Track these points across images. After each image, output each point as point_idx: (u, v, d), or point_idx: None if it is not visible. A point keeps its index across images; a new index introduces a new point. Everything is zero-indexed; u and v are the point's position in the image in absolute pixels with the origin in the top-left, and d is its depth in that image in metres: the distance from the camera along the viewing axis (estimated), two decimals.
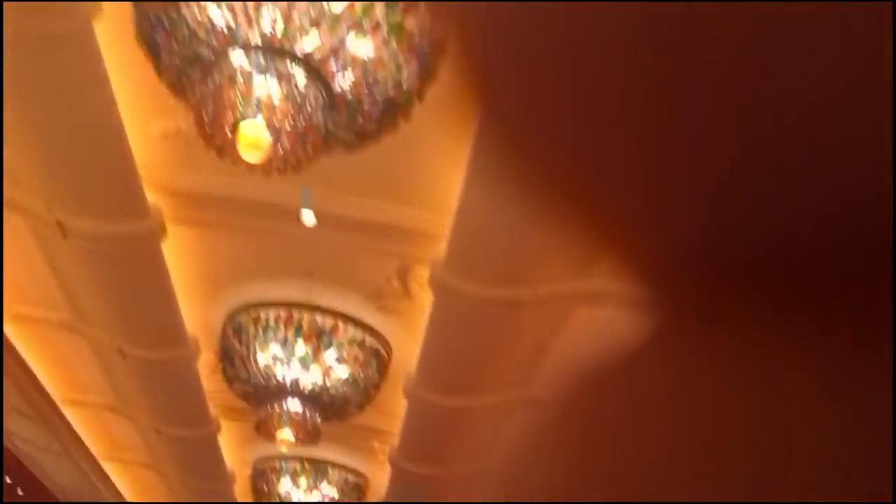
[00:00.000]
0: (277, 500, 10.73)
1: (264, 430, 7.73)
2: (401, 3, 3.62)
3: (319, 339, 6.88)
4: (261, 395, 7.29)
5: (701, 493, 0.14)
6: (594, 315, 5.96)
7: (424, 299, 6.22)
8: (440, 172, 5.02)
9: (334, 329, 6.83)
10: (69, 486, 11.05)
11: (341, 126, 4.21)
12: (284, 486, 10.70)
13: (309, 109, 3.88)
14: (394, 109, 4.08)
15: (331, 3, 3.56)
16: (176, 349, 7.06)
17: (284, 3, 3.56)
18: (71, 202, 5.28)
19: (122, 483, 11.26)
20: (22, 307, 6.92)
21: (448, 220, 5.23)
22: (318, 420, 7.54)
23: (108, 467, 10.68)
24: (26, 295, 6.76)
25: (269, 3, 3.57)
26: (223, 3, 3.61)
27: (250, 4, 3.58)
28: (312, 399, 7.26)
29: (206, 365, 7.56)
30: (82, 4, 3.83)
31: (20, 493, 11.57)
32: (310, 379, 7.05)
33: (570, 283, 5.64)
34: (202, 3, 3.63)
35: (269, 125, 3.84)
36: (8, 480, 10.97)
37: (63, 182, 5.13)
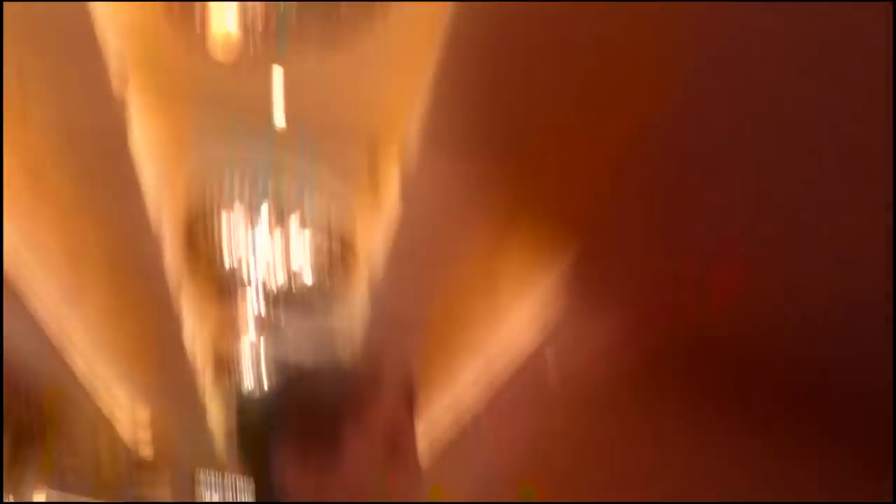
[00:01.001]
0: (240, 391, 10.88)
1: (228, 324, 7.82)
2: None
3: (286, 235, 6.93)
4: (226, 289, 7.32)
5: None
6: None
7: (392, 207, 6.25)
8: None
9: (302, 226, 6.88)
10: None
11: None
12: (246, 378, 10.82)
13: None
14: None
15: None
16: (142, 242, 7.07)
17: None
18: None
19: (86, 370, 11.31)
20: None
21: None
22: (282, 317, 7.61)
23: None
24: None
25: None
26: None
27: None
28: (278, 297, 7.33)
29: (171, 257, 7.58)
30: None
31: None
32: (276, 276, 7.11)
33: None
34: None
35: None
36: None
37: None
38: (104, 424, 14.42)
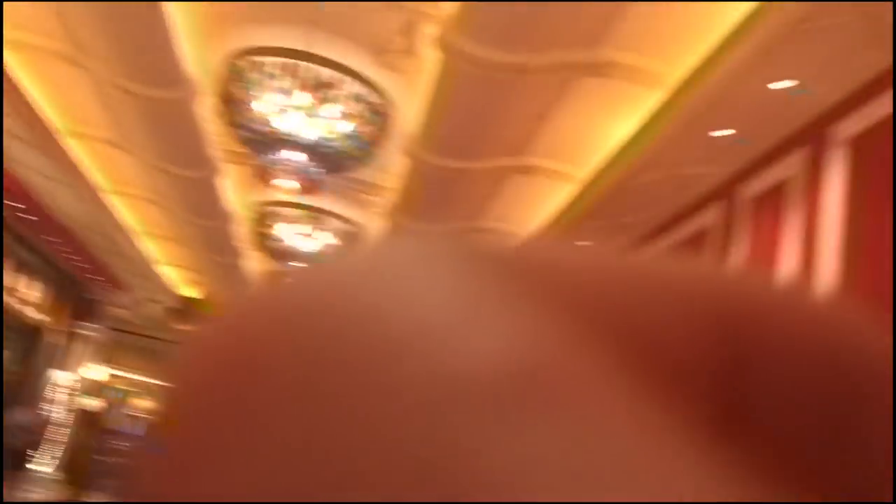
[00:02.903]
0: (275, 243, 11.17)
1: (264, 177, 7.88)
2: None
3: (320, 91, 6.80)
4: (261, 143, 7.34)
5: None
6: (600, 85, 5.87)
7: (429, 59, 6.08)
8: None
9: (335, 81, 6.75)
10: (78, 215, 11.42)
11: None
12: (282, 230, 11.09)
13: None
14: None
15: None
16: (176, 89, 7.00)
17: None
18: None
19: (130, 216, 11.61)
20: (20, 33, 6.75)
21: None
22: (318, 171, 7.65)
23: (116, 200, 10.96)
24: (25, 21, 6.57)
25: None
26: None
27: None
28: (313, 151, 7.32)
29: (207, 107, 7.53)
30: None
31: (33, 218, 11.99)
32: (311, 131, 7.06)
33: (578, 51, 5.49)
34: None
35: None
36: (20, 206, 11.32)
37: None
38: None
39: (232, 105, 7.00)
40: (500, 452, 0.12)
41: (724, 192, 5.98)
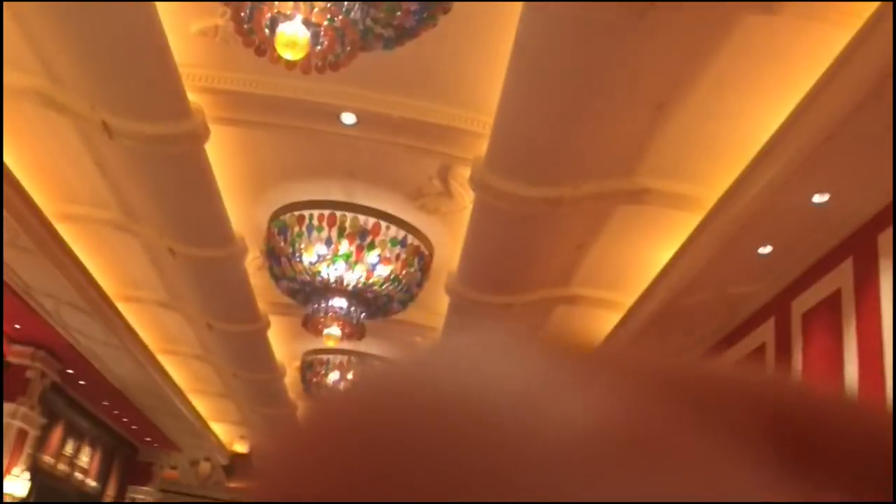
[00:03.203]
0: (325, 391, 11.10)
1: (311, 325, 7.95)
2: None
3: (362, 238, 6.97)
4: (307, 293, 7.47)
5: None
6: (637, 212, 5.93)
7: (465, 198, 6.23)
8: (481, 70, 4.93)
9: (376, 228, 6.92)
10: (128, 376, 11.56)
11: (379, 21, 4.13)
12: (332, 377, 11.08)
13: (346, 5, 3.81)
14: (433, 3, 3.99)
15: None
16: (223, 248, 7.23)
17: None
18: (114, 102, 5.33)
19: (178, 374, 11.76)
20: (72, 206, 7.09)
21: (489, 118, 5.17)
22: (363, 317, 7.72)
23: (164, 360, 11.13)
24: (75, 194, 6.92)
25: None
26: None
27: None
28: (357, 296, 7.42)
29: (252, 263, 7.74)
30: None
31: (81, 383, 12.16)
32: (354, 277, 7.18)
33: (611, 180, 5.59)
34: None
35: (307, 22, 3.79)
36: (70, 371, 11.51)
37: (105, 82, 5.16)
38: None
39: (277, 259, 7.18)
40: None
41: (775, 308, 5.89)
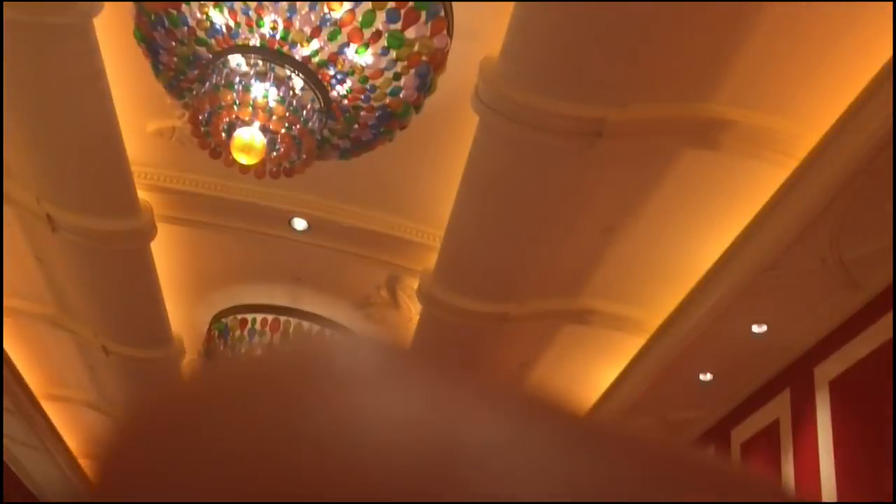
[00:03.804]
0: None
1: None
2: (402, 13, 3.62)
3: None
4: None
5: None
6: (582, 332, 5.97)
7: (412, 310, 6.21)
8: (433, 184, 5.02)
9: (320, 336, 6.81)
10: (44, 481, 10.93)
11: (336, 132, 4.20)
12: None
13: (305, 114, 3.87)
14: (390, 119, 4.08)
15: (331, 10, 3.56)
16: (160, 349, 7.02)
17: (285, 7, 3.55)
18: (62, 196, 5.26)
19: None
20: (6, 299, 6.86)
21: (439, 231, 5.23)
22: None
23: (86, 465, 10.58)
24: (12, 287, 6.71)
25: (271, 6, 3.57)
26: (224, 5, 3.61)
27: (252, 7, 3.58)
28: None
29: (189, 366, 7.51)
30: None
31: None
32: None
33: (557, 300, 5.65)
34: (203, 2, 3.63)
35: (264, 128, 3.83)
36: None
37: (55, 175, 5.11)
38: None
39: (215, 361, 6.98)
40: None
41: (715, 436, 5.89)
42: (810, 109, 3.87)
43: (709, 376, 5.47)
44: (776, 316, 4.73)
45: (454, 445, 0.18)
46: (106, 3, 3.90)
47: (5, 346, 7.56)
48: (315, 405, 0.18)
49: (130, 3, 3.83)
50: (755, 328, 4.86)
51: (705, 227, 4.75)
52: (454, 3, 3.80)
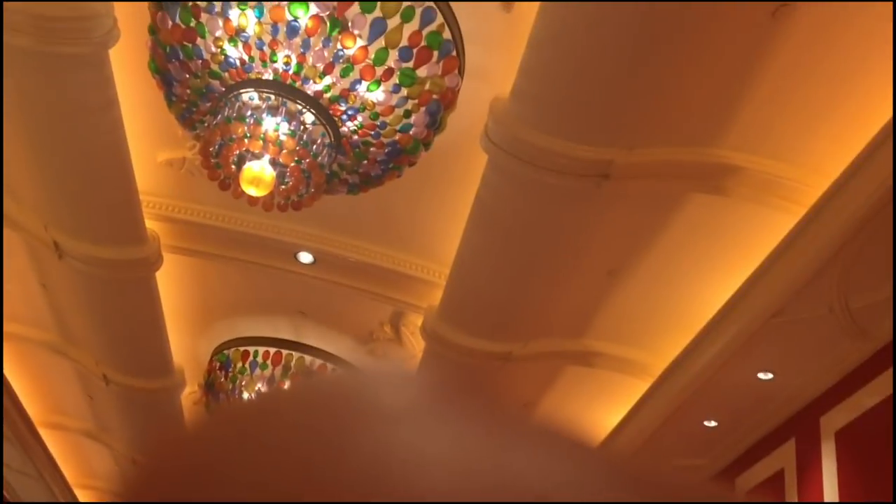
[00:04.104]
0: None
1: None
2: (415, 51, 3.65)
3: (307, 378, 6.81)
4: None
5: None
6: (586, 374, 5.92)
7: (415, 346, 6.18)
8: (440, 222, 5.03)
9: (321, 370, 6.78)
10: None
11: (346, 167, 4.22)
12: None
13: (315, 148, 3.89)
14: (399, 155, 4.10)
15: (345, 47, 3.60)
16: (161, 379, 6.99)
17: (299, 42, 3.59)
18: (70, 223, 5.27)
19: None
20: (9, 325, 6.85)
21: (445, 269, 5.22)
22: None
23: (82, 495, 10.46)
24: (15, 313, 6.70)
25: (285, 42, 3.61)
26: (239, 39, 3.65)
27: (266, 41, 3.62)
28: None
29: (189, 397, 7.47)
30: (99, 29, 3.87)
31: None
32: None
33: (561, 341, 5.61)
34: (219, 35, 3.67)
35: (274, 161, 3.85)
36: None
37: (64, 203, 5.13)
38: None
39: (216, 394, 6.95)
40: None
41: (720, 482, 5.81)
42: (819, 156, 3.88)
43: (714, 423, 5.41)
44: (782, 364, 4.69)
45: (520, 489, 0.17)
46: (122, 33, 3.95)
47: (6, 372, 7.53)
48: (345, 443, 0.17)
49: (146, 35, 3.88)
50: (761, 375, 4.82)
51: (711, 271, 4.73)
52: (466, 42, 3.84)
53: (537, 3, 3.46)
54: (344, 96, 3.79)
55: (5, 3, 3.74)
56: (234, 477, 0.17)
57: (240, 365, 6.75)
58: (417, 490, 0.16)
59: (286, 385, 0.18)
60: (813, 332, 4.35)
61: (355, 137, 3.99)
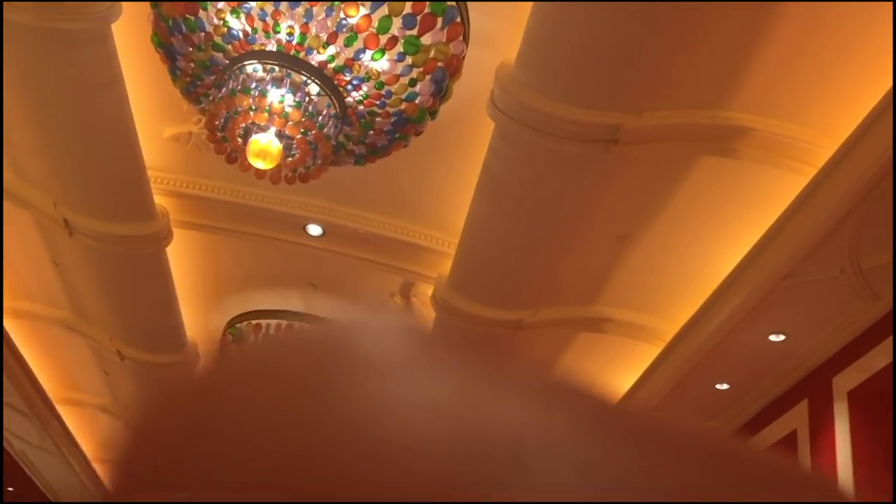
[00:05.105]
0: None
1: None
2: (419, 18, 3.62)
3: None
4: None
5: None
6: (597, 339, 5.93)
7: (426, 316, 6.20)
8: (448, 191, 5.01)
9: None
10: (59, 485, 10.98)
11: (352, 138, 4.20)
12: None
13: (321, 119, 3.87)
14: (405, 124, 4.08)
15: (348, 16, 3.57)
16: (175, 354, 7.04)
17: (302, 13, 3.56)
18: (79, 200, 5.29)
19: None
20: (23, 303, 6.91)
21: (454, 238, 5.21)
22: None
23: (100, 469, 10.61)
24: (28, 291, 6.76)
25: (288, 13, 3.58)
26: (241, 10, 3.62)
27: (269, 12, 3.59)
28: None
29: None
30: (101, 4, 3.85)
31: (10, 489, 11.50)
32: None
33: (572, 307, 5.61)
34: (221, 7, 3.64)
35: (280, 133, 3.83)
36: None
37: (72, 180, 5.14)
38: None
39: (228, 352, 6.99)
40: None
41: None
42: (829, 116, 3.83)
43: (726, 386, 5.42)
44: (794, 326, 4.68)
45: (513, 433, 0.17)
46: (124, 9, 3.93)
47: (21, 349, 7.61)
48: (334, 395, 0.17)
49: (149, 9, 3.85)
50: (773, 338, 4.81)
51: (722, 234, 4.71)
52: (470, 8, 3.80)
53: None
54: (348, 66, 3.76)
55: None
56: (220, 434, 0.17)
57: (252, 338, 6.78)
58: (407, 439, 0.16)
59: (273, 336, 0.18)
60: (824, 293, 4.34)
61: (361, 107, 3.96)
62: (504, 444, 0.17)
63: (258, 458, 0.16)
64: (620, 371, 6.14)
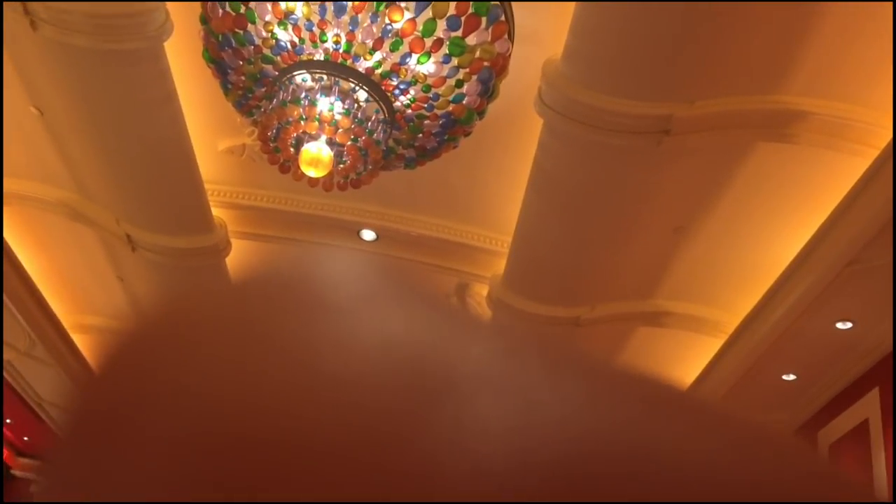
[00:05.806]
0: None
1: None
2: (463, 20, 3.62)
3: None
4: None
5: None
6: (657, 334, 5.86)
7: (483, 317, 6.18)
8: (499, 190, 5.00)
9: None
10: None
11: (401, 142, 4.23)
12: None
13: (370, 126, 3.90)
14: (454, 126, 4.08)
15: (392, 21, 3.59)
16: None
17: (347, 21, 3.59)
18: (140, 216, 5.43)
19: None
20: (90, 317, 7.11)
21: (507, 237, 5.20)
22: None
23: None
24: (94, 306, 6.95)
25: (333, 22, 3.62)
26: (288, 22, 3.67)
27: (315, 22, 3.63)
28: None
29: None
30: (152, 23, 3.95)
31: None
32: None
33: (630, 302, 5.55)
34: (268, 20, 3.70)
35: (331, 141, 3.88)
36: None
37: (133, 196, 5.27)
38: None
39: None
40: None
41: (802, 438, 5.70)
42: (890, 95, 3.72)
43: (792, 377, 5.29)
44: (861, 312, 4.55)
45: (455, 361, 0.16)
46: (175, 27, 4.02)
47: (92, 364, 7.82)
48: (283, 337, 0.17)
49: (199, 26, 3.93)
50: (839, 325, 4.69)
51: (782, 222, 4.61)
52: (514, 6, 3.79)
53: None
54: (395, 71, 3.78)
55: (60, 5, 3.84)
56: (164, 380, 0.17)
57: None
58: (352, 375, 0.16)
59: (239, 278, 0.18)
60: (890, 277, 4.21)
61: (409, 111, 3.98)
62: (442, 377, 0.16)
63: (199, 403, 0.16)
64: (682, 365, 6.05)
